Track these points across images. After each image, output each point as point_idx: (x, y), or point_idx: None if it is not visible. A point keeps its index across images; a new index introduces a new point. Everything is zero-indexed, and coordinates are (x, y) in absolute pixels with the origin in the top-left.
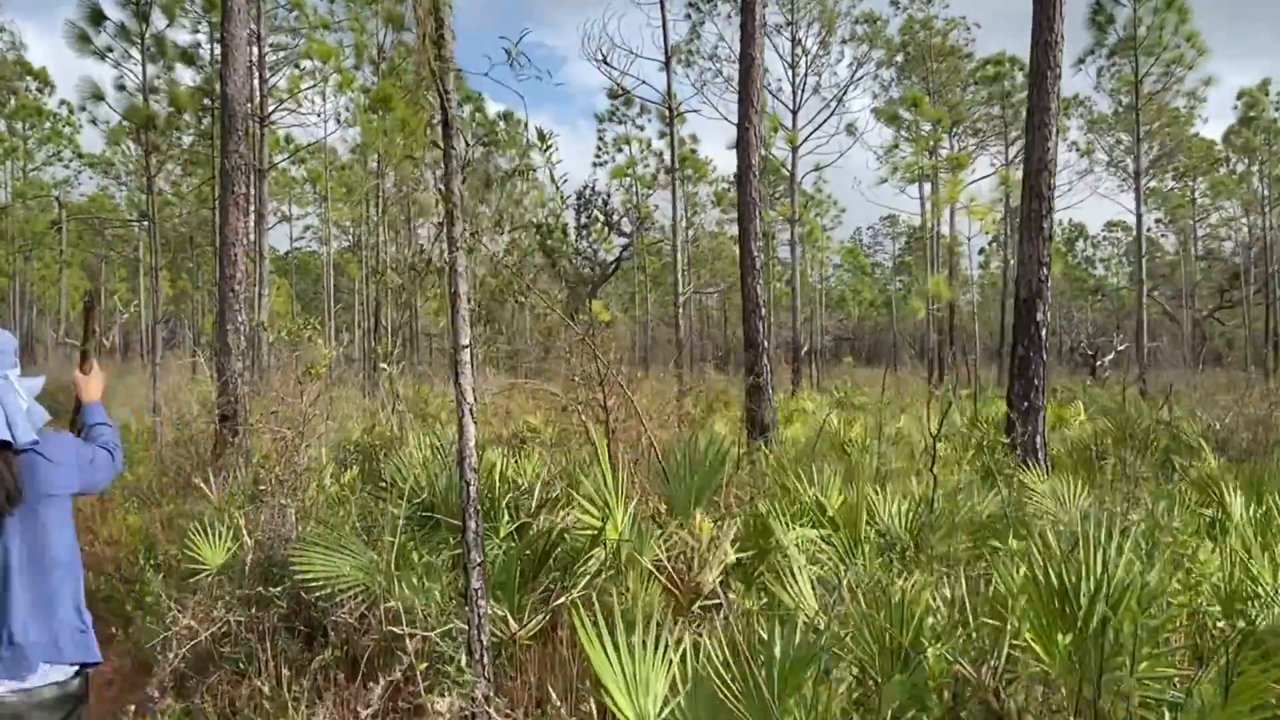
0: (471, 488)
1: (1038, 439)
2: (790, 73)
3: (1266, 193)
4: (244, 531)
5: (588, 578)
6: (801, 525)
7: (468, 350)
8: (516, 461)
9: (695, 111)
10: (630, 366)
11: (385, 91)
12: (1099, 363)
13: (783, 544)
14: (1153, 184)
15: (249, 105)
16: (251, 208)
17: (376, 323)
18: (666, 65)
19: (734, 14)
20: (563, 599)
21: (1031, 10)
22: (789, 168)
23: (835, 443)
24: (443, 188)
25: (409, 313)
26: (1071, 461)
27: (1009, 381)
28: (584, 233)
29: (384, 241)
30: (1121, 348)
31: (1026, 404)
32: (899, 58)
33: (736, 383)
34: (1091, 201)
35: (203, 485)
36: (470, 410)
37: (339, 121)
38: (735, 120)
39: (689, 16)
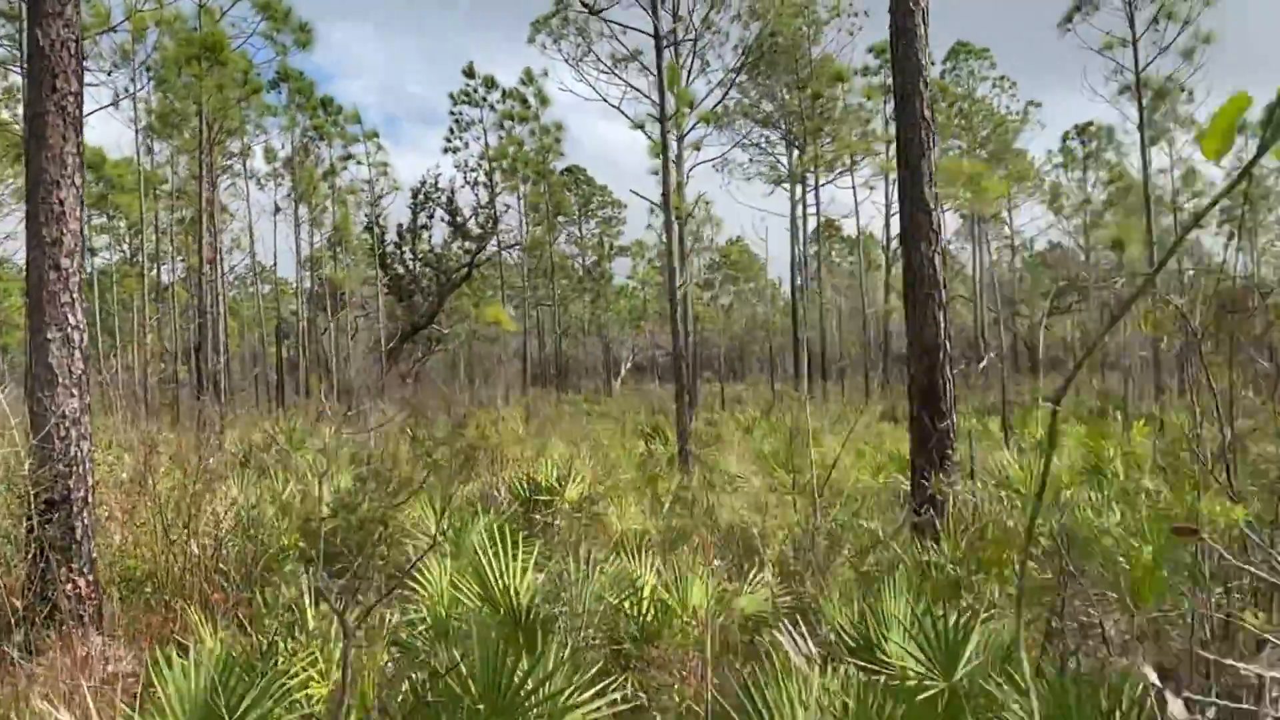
0: None
1: None
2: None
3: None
4: None
5: None
6: None
7: None
8: None
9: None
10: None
11: (213, 39)
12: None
13: None
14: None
15: None
16: (80, 135)
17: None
18: None
19: None
20: None
21: None
22: (672, 153)
23: None
24: None
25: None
26: None
27: None
28: (421, 235)
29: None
30: (991, 355)
31: None
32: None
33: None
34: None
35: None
36: None
37: (145, 73)
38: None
39: None
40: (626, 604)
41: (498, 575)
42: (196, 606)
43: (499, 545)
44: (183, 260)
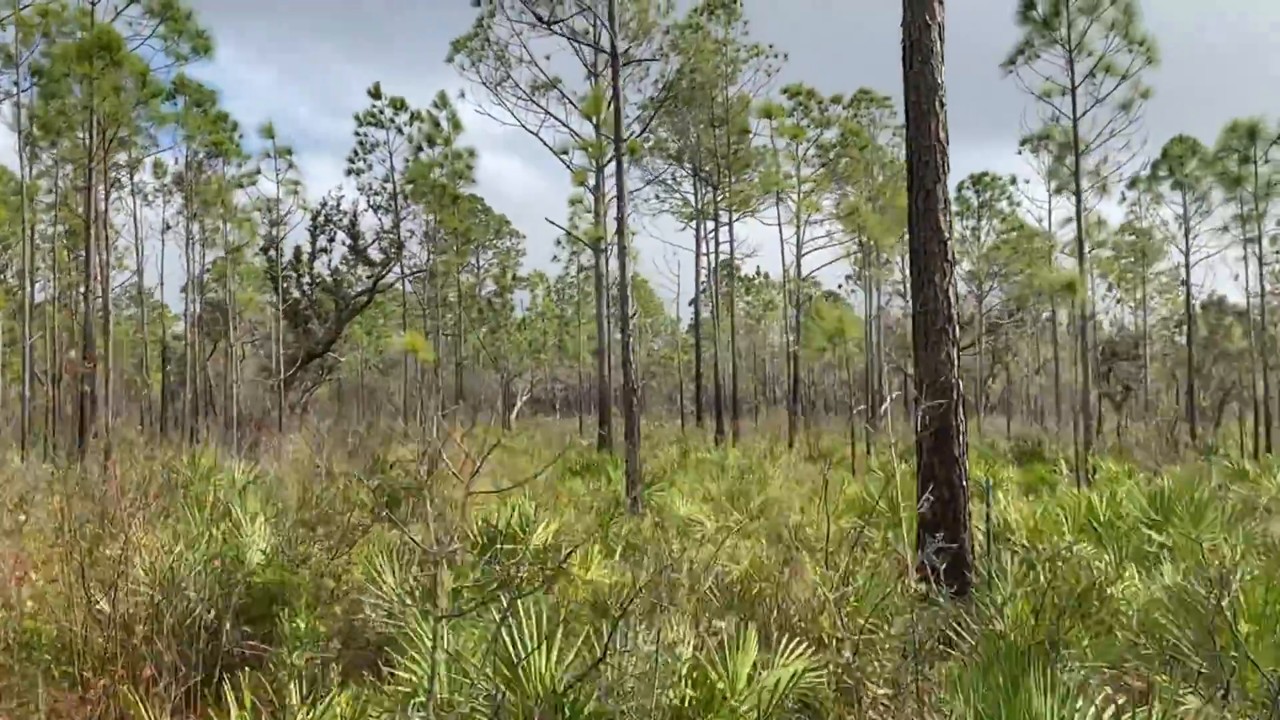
0: None
1: None
2: (594, 82)
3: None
4: None
5: None
6: None
7: None
8: None
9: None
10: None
11: (108, 38)
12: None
13: None
14: None
15: None
16: None
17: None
18: None
19: None
20: None
21: None
22: (598, 181)
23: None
24: None
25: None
26: None
27: None
28: (319, 258)
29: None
30: (893, 396)
31: None
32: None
33: None
34: None
35: None
36: None
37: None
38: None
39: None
40: (672, 693)
41: (533, 662)
42: (128, 687)
43: (518, 618)
44: (60, 277)
